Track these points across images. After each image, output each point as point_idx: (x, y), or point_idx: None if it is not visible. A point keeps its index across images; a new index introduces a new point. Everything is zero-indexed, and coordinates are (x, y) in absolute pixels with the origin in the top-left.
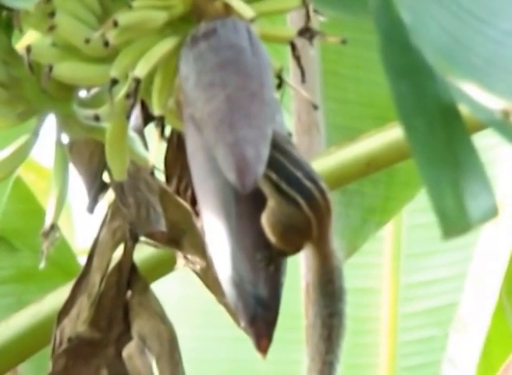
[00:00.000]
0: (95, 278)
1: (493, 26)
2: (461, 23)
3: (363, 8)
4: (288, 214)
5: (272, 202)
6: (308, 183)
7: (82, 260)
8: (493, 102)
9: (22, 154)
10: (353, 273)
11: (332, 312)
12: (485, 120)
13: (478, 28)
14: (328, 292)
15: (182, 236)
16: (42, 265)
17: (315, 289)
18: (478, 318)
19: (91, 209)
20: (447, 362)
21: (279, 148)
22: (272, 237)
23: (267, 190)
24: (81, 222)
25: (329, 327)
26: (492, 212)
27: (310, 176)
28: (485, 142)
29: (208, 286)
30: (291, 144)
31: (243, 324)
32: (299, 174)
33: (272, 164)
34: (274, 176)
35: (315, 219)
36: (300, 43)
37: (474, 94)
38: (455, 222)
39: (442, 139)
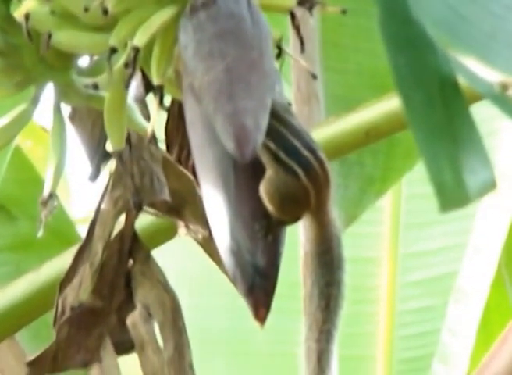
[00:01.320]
0: (97, 247)
1: (495, 1)
2: None
3: None
4: (286, 184)
5: (270, 172)
6: (307, 153)
7: (80, 229)
8: (492, 76)
9: (20, 122)
10: (352, 243)
11: (329, 282)
12: (483, 93)
13: (480, 2)
14: (327, 261)
15: (183, 205)
16: (40, 233)
17: (313, 258)
18: (477, 288)
19: (94, 178)
20: (447, 331)
21: (278, 117)
22: (269, 206)
23: (265, 159)
24: (79, 191)
25: (327, 297)
26: (490, 186)
27: (309, 145)
28: (487, 113)
29: (209, 255)
30: (290, 114)
31: (241, 294)
32: (297, 144)
33: (271, 133)
34: (272, 145)
35: (313, 189)
36: (300, 13)
37: (473, 68)
38: (453, 195)
39: (440, 113)
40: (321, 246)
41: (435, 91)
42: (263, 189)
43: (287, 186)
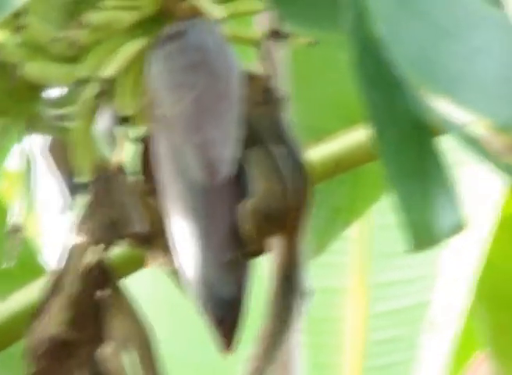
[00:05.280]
0: (68, 280)
1: (463, 42)
2: (432, 37)
3: (332, 24)
4: (273, 198)
5: (263, 185)
6: (299, 172)
7: (47, 261)
8: (463, 116)
9: None
10: (318, 273)
11: (287, 307)
12: (454, 135)
13: (446, 44)
14: (288, 287)
15: (154, 236)
16: (6, 264)
17: (276, 283)
18: (447, 319)
19: (69, 209)
20: (416, 361)
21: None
22: (248, 223)
23: (262, 168)
24: (48, 224)
25: (283, 322)
26: (459, 227)
27: (301, 166)
28: (450, 144)
29: (180, 287)
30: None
31: (210, 325)
32: (297, 159)
33: (276, 137)
34: (276, 150)
35: (294, 209)
36: (269, 43)
37: (445, 109)
38: (422, 235)
39: (412, 152)
40: (285, 272)
41: (407, 130)
42: (248, 205)
43: (273, 200)
